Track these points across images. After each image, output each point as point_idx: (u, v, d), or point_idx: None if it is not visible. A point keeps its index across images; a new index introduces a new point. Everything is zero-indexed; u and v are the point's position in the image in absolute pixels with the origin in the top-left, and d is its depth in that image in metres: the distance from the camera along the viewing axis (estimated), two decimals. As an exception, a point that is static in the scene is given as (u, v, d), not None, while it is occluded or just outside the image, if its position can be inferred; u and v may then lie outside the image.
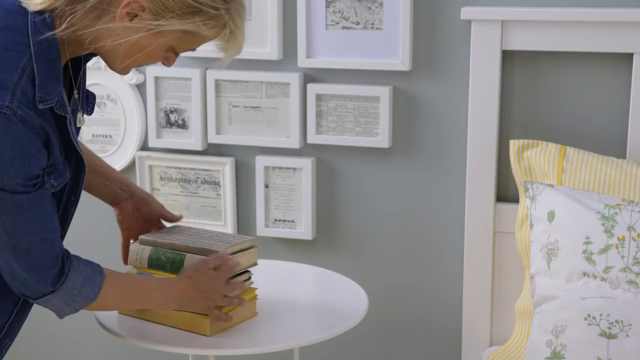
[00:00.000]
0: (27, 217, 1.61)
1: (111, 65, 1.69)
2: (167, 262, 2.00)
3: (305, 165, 2.55)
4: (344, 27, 2.46)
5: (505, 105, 2.40)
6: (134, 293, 1.84)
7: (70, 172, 1.72)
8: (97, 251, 2.66)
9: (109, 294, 1.77)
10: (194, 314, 1.97)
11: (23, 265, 1.64)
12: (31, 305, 1.80)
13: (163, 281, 1.89)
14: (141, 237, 2.05)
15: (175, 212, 2.68)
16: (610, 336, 1.96)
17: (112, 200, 2.08)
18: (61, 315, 1.75)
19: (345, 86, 2.48)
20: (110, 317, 2.07)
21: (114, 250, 2.34)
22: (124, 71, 1.70)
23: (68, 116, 1.67)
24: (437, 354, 2.59)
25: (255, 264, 2.08)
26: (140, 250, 2.03)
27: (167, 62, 1.70)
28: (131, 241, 2.09)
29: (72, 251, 1.80)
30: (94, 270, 1.75)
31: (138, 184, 2.67)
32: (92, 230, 2.78)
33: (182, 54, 2.56)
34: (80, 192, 1.78)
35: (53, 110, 1.63)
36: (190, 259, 1.98)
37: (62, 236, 1.78)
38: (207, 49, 2.53)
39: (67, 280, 1.70)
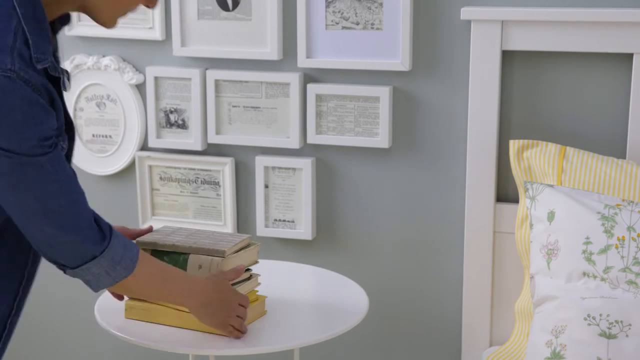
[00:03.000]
0: (51, 179, 1.60)
1: (98, 19, 1.70)
2: (170, 263, 1.99)
3: (305, 165, 2.55)
4: (343, 27, 2.45)
5: (505, 105, 2.40)
6: (163, 275, 1.84)
7: None
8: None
9: (143, 269, 1.77)
10: None
11: (59, 230, 1.63)
12: (33, 279, 1.78)
13: (188, 273, 1.91)
14: (139, 239, 2.04)
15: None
16: (610, 336, 1.96)
17: None
18: (98, 286, 1.73)
19: (345, 86, 2.48)
20: (111, 317, 2.07)
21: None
22: (111, 23, 1.70)
23: (62, 77, 1.66)
24: (437, 353, 2.59)
25: (256, 262, 2.08)
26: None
27: (150, 3, 1.71)
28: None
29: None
30: (129, 241, 1.76)
31: (138, 184, 2.67)
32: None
33: (182, 55, 2.57)
34: (71, 160, 1.75)
35: (47, 73, 1.62)
36: (193, 258, 1.98)
37: None
38: (208, 49, 2.54)
39: (110, 245, 1.69)
